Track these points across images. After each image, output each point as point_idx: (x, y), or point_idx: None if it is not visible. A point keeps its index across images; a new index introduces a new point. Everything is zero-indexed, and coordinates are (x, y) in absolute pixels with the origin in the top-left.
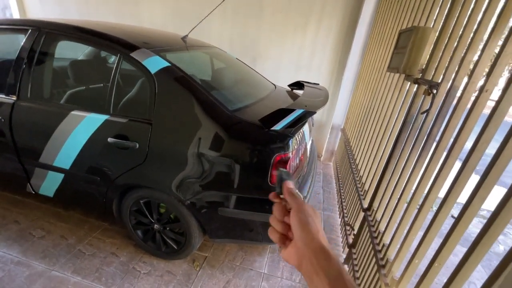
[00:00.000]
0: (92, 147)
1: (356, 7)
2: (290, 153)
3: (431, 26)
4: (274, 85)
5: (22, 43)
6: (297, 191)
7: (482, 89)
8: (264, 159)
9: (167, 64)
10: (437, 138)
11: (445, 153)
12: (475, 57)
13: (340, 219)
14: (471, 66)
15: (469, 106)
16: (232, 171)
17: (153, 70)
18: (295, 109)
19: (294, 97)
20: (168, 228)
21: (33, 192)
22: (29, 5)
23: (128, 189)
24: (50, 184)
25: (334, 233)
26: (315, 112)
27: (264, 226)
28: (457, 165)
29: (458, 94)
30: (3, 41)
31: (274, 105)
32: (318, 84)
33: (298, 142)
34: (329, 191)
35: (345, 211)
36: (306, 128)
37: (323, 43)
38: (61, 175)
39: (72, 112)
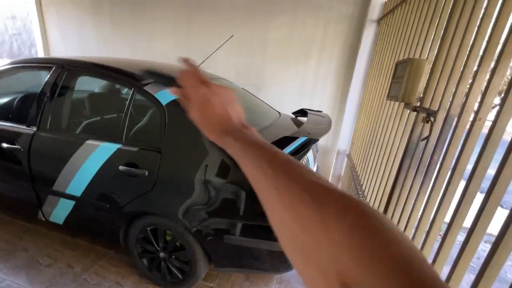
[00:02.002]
0: (103, 175)
1: (356, 39)
2: None
3: (426, 57)
4: (279, 112)
5: (46, 79)
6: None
7: (475, 117)
8: None
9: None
10: (439, 164)
11: (447, 178)
12: (467, 87)
13: None
14: (464, 96)
15: (465, 133)
16: (237, 198)
17: (164, 102)
18: (299, 137)
19: (298, 124)
20: (173, 257)
21: (44, 219)
22: (53, 43)
23: (135, 216)
24: (60, 211)
25: None
26: (318, 140)
27: (270, 254)
28: (460, 189)
29: (454, 122)
30: (30, 77)
31: (279, 132)
32: (321, 111)
33: None
34: None
35: None
36: (310, 154)
37: (325, 73)
38: (72, 202)
39: (87, 142)
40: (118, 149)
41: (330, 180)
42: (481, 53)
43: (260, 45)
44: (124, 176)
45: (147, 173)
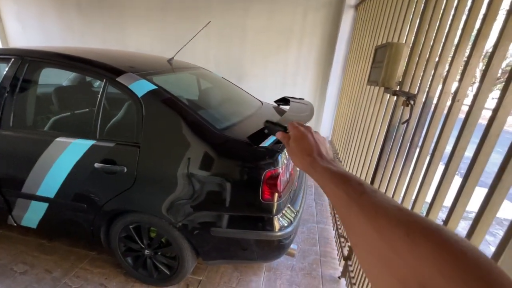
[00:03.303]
0: (78, 174)
1: (334, 25)
2: (280, 168)
3: (404, 42)
4: (261, 102)
5: (5, 72)
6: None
7: (454, 99)
8: (254, 176)
9: (154, 87)
10: (419, 146)
11: (427, 160)
12: (446, 70)
13: (334, 231)
14: (443, 78)
15: (444, 114)
16: (223, 190)
17: (139, 93)
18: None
19: (281, 112)
20: (159, 253)
21: (15, 224)
22: (12, 35)
23: (116, 215)
24: (33, 214)
25: (329, 246)
26: None
27: (258, 244)
28: (440, 170)
29: (434, 104)
30: None
31: (262, 121)
32: (303, 99)
33: (287, 157)
34: (322, 203)
35: (338, 223)
36: None
37: (306, 60)
38: (45, 205)
39: (57, 139)
40: (93, 146)
41: None
42: (458, 36)
43: (240, 34)
44: (101, 174)
45: (125, 169)
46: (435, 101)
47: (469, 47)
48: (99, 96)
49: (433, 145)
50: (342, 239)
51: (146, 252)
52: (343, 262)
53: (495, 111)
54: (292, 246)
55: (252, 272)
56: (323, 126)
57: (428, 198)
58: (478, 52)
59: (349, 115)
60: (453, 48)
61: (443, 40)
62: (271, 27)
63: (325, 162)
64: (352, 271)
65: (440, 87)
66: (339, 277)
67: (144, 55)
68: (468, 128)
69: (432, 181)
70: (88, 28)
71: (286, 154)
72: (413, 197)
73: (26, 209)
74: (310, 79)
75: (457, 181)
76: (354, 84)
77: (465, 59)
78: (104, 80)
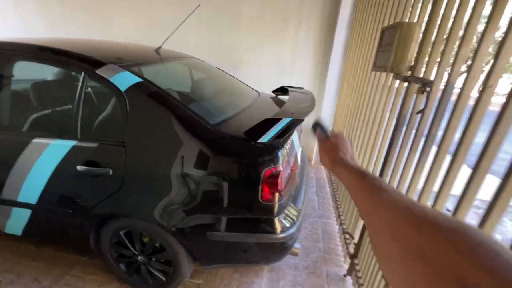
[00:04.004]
0: (60, 178)
1: (334, 7)
2: (281, 166)
3: (415, 21)
4: (258, 92)
5: None
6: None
7: (485, 84)
8: (252, 175)
9: (139, 79)
10: (438, 140)
11: (449, 156)
12: (472, 50)
13: (338, 226)
14: (467, 60)
15: (471, 103)
16: (219, 191)
17: (122, 87)
18: (282, 118)
19: (280, 103)
20: (153, 259)
21: None
22: None
23: (105, 220)
24: (16, 221)
25: (332, 241)
26: (303, 120)
27: (259, 246)
28: (466, 168)
29: (455, 91)
30: None
31: (259, 114)
32: (303, 88)
33: (288, 152)
34: (323, 196)
35: (342, 217)
36: (295, 136)
37: (304, 46)
38: (28, 211)
39: (34, 140)
40: (74, 147)
41: (314, 158)
42: (489, 9)
43: (233, 20)
44: (85, 177)
45: (111, 171)
46: (457, 88)
47: (506, 20)
48: (78, 91)
49: (457, 138)
50: (347, 236)
51: (140, 258)
52: (348, 259)
53: None
54: (295, 245)
55: (253, 273)
56: (323, 115)
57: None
58: None
59: (352, 103)
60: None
61: (468, 13)
62: (266, 12)
63: (355, 162)
64: (359, 271)
65: (462, 71)
66: (344, 275)
67: (128, 45)
68: (508, 120)
69: (454, 180)
70: (70, 18)
71: (287, 149)
72: (431, 201)
73: (8, 216)
74: (309, 66)
75: (490, 180)
76: (356, 71)
77: (502, 34)
78: (82, 73)
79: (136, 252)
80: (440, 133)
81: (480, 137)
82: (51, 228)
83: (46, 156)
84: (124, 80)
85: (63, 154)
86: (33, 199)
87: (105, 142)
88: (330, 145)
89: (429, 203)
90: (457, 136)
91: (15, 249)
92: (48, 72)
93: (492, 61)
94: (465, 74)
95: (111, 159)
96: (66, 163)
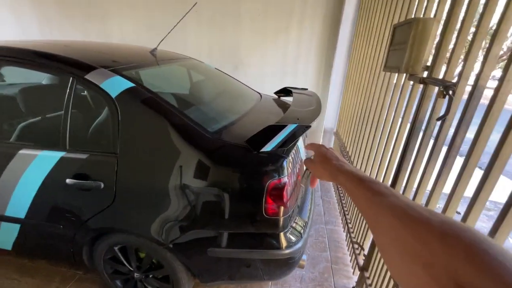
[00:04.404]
0: (48, 192)
1: (338, 5)
2: (286, 177)
3: (432, 16)
4: (260, 94)
5: None
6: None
7: None
8: (256, 188)
9: (131, 84)
10: (463, 150)
11: (481, 170)
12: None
13: (345, 234)
14: (501, 61)
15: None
16: (219, 205)
17: (113, 93)
18: (287, 125)
19: (283, 106)
20: (151, 276)
21: None
22: None
23: (98, 235)
24: (5, 236)
25: (340, 250)
26: (310, 126)
27: (264, 262)
28: (503, 183)
29: (486, 94)
30: None
31: (262, 118)
32: (307, 89)
33: (293, 161)
34: (329, 201)
35: (350, 225)
36: (300, 142)
37: (307, 46)
38: (17, 226)
39: (20, 152)
40: (62, 158)
41: None
42: None
43: (234, 19)
44: (75, 191)
45: (102, 184)
46: (487, 92)
47: None
48: (66, 98)
49: (492, 150)
50: (356, 246)
51: (136, 275)
52: (357, 271)
53: None
54: (302, 257)
55: (258, 286)
56: (328, 117)
57: (481, 222)
58: None
59: (358, 105)
60: None
61: (498, 10)
62: (268, 11)
63: (349, 167)
64: (370, 285)
65: (499, 71)
66: (353, 287)
67: (122, 46)
68: None
69: (488, 198)
70: (66, 19)
71: (292, 158)
72: (460, 216)
73: None
74: (312, 66)
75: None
76: (362, 71)
77: None
78: (71, 78)
79: (132, 269)
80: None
81: None
82: (42, 244)
83: (33, 169)
84: (115, 85)
85: (50, 166)
86: (21, 213)
87: (96, 153)
88: (317, 158)
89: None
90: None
91: (9, 263)
92: (34, 77)
93: None
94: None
95: (103, 171)
96: (54, 176)
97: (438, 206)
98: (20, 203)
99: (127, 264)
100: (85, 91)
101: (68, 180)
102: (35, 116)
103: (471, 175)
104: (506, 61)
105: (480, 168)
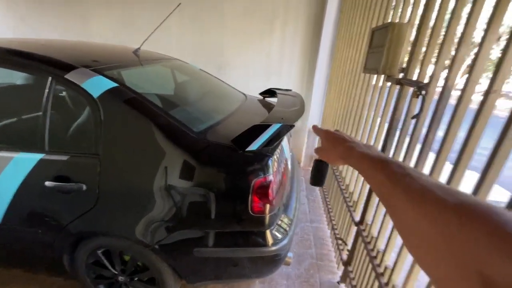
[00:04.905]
0: (26, 195)
1: (320, 8)
2: (271, 176)
3: (406, 21)
4: (245, 94)
5: None
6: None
7: (488, 89)
8: (241, 186)
9: (114, 84)
10: (435, 145)
11: (450, 163)
12: (472, 52)
13: (330, 231)
14: (467, 63)
15: (473, 107)
16: (205, 204)
17: (95, 93)
18: (271, 124)
19: (268, 106)
20: (136, 279)
21: None
22: None
23: (80, 239)
24: None
25: (325, 247)
26: (293, 126)
27: (250, 261)
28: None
29: (454, 94)
30: None
31: (247, 118)
32: (291, 90)
33: (278, 160)
34: (314, 199)
35: (334, 222)
36: (285, 142)
37: (291, 47)
38: None
39: None
40: (41, 160)
41: (302, 160)
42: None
43: (217, 18)
44: (55, 194)
45: (84, 186)
46: (456, 91)
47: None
48: (45, 99)
49: (459, 145)
50: (340, 242)
51: (120, 278)
52: (341, 266)
53: None
54: (288, 254)
55: (244, 286)
56: (312, 117)
57: None
58: None
59: (341, 105)
60: (484, 24)
61: (464, 16)
62: (252, 11)
63: (361, 147)
64: (353, 278)
65: (465, 73)
66: (338, 282)
67: (104, 46)
68: None
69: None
70: (42, 17)
71: (277, 156)
72: None
73: None
74: (296, 67)
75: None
76: (344, 72)
77: (506, 36)
78: (49, 78)
79: (116, 272)
80: (437, 138)
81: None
82: (19, 250)
83: (8, 172)
84: (97, 85)
85: (28, 169)
86: None
87: (77, 154)
88: (325, 144)
89: None
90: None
91: None
92: (8, 77)
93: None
94: (465, 77)
95: (84, 173)
96: (33, 179)
97: None
98: None
99: (111, 268)
100: (65, 91)
101: (47, 183)
102: (11, 118)
103: (442, 169)
104: (471, 64)
105: (451, 163)
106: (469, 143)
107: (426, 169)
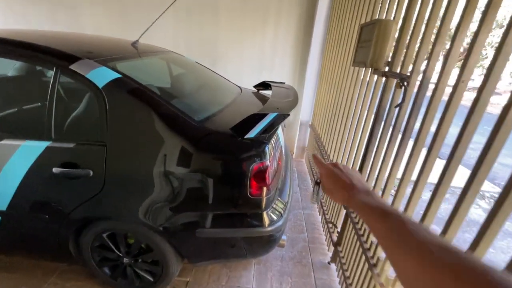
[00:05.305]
0: (33, 181)
1: (312, 4)
2: (268, 161)
3: (392, 18)
4: (240, 87)
5: None
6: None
7: (458, 80)
8: (241, 171)
9: (117, 75)
10: (415, 131)
11: (425, 147)
12: (446, 47)
13: (321, 217)
14: (443, 57)
15: (446, 97)
16: (205, 188)
17: (100, 83)
18: (268, 113)
19: (262, 99)
20: (140, 260)
21: None
22: None
23: (85, 224)
24: None
25: (316, 231)
26: (288, 115)
27: (248, 240)
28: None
29: (431, 85)
30: None
31: (243, 110)
32: (284, 83)
33: (274, 147)
34: (306, 189)
35: (324, 208)
36: (280, 131)
37: (283, 42)
38: None
39: (1, 142)
40: (47, 148)
41: (295, 152)
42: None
43: (211, 13)
44: (62, 180)
45: (91, 172)
46: (433, 82)
47: (476, 20)
48: (50, 88)
49: (433, 130)
50: (330, 225)
51: (125, 260)
52: (332, 248)
53: None
54: (282, 237)
55: (241, 267)
56: (303, 109)
57: (426, 193)
58: (488, 26)
59: (331, 98)
60: (456, 22)
61: (440, 15)
62: (246, 6)
63: (362, 195)
64: (343, 257)
65: (441, 66)
66: (328, 263)
67: (103, 38)
68: (477, 112)
69: (431, 170)
70: (31, 7)
71: (273, 144)
72: (410, 188)
73: None
74: (288, 61)
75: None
76: (334, 66)
77: (471, 34)
78: (54, 68)
79: (121, 254)
80: (417, 125)
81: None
82: (25, 236)
83: (16, 159)
84: (101, 76)
85: (35, 156)
86: (2, 205)
87: (83, 142)
88: (326, 183)
89: (408, 190)
90: (433, 128)
91: None
92: (13, 67)
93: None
94: (441, 69)
95: (91, 159)
96: (40, 165)
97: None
98: (1, 195)
99: (116, 250)
100: (70, 82)
101: (55, 169)
102: (16, 107)
103: (419, 154)
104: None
105: (426, 148)
106: (440, 130)
107: (406, 154)
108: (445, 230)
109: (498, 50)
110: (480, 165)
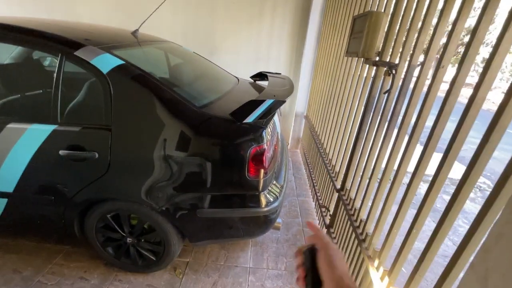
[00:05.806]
0: (40, 163)
1: None
2: (265, 145)
3: (383, 10)
4: (237, 78)
5: None
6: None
7: (438, 65)
8: (239, 154)
9: (121, 62)
10: (401, 115)
11: (410, 129)
12: (427, 37)
13: (314, 203)
14: (425, 46)
15: (428, 82)
16: (203, 170)
17: (105, 69)
18: (265, 100)
19: (259, 89)
20: (143, 240)
21: None
22: None
23: (91, 205)
24: None
25: (310, 216)
26: (285, 101)
27: (243, 221)
28: (423, 139)
29: (416, 73)
30: None
31: (241, 98)
32: (280, 73)
33: (271, 132)
34: (300, 177)
35: (318, 194)
36: (276, 118)
37: (279, 33)
38: (4, 200)
39: (9, 126)
40: (54, 131)
41: (290, 143)
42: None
43: (209, 3)
44: (68, 162)
45: (97, 155)
46: (418, 69)
47: (454, 12)
48: (56, 74)
49: (416, 113)
50: (323, 209)
51: (128, 240)
52: (325, 230)
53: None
54: (277, 220)
55: (239, 249)
56: (298, 101)
57: (410, 168)
58: (464, 17)
59: (325, 88)
60: (437, 13)
61: (426, 5)
62: None
63: (349, 280)
64: (335, 238)
65: (423, 54)
66: None
67: (104, 27)
68: (452, 101)
69: (414, 151)
70: None
71: (270, 129)
72: (395, 167)
73: None
74: (284, 52)
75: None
76: (329, 57)
77: (450, 25)
78: (60, 55)
79: (124, 234)
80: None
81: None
82: (31, 217)
83: (23, 142)
84: (105, 62)
85: (42, 138)
86: (9, 187)
87: (89, 125)
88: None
89: (394, 167)
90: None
91: None
92: (20, 54)
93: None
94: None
95: (97, 142)
96: (46, 148)
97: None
98: (8, 176)
99: (119, 231)
100: (76, 68)
101: (61, 151)
102: (23, 92)
103: (404, 137)
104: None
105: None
106: (423, 111)
107: (394, 134)
108: (416, 218)
109: (496, 47)
110: (450, 149)
